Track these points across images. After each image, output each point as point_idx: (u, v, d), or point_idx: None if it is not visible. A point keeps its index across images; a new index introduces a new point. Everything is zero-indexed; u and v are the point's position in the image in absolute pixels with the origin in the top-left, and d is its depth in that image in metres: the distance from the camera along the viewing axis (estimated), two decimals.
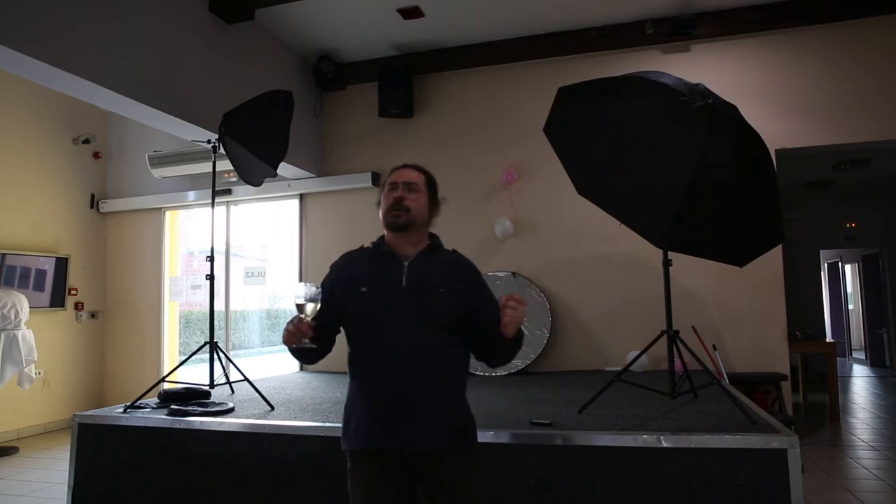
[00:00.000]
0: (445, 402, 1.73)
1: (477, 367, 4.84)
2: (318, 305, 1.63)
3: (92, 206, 6.52)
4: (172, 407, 3.01)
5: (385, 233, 1.85)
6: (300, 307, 1.61)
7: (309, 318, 1.61)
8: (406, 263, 1.77)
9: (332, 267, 1.90)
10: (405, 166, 1.88)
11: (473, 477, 1.75)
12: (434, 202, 1.86)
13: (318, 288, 1.63)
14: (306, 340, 1.61)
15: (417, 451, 1.67)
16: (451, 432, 1.70)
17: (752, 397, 4.41)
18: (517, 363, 4.84)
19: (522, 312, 1.67)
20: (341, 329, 1.84)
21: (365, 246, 1.89)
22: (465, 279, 1.83)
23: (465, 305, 1.77)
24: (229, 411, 3.02)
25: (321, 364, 1.87)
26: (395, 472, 1.70)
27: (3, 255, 5.56)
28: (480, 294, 1.84)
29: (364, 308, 1.74)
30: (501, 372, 4.80)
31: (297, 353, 1.72)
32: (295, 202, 6.01)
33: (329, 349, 1.83)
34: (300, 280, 5.87)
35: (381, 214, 1.84)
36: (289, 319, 1.64)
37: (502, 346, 1.75)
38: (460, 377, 1.81)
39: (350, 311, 1.77)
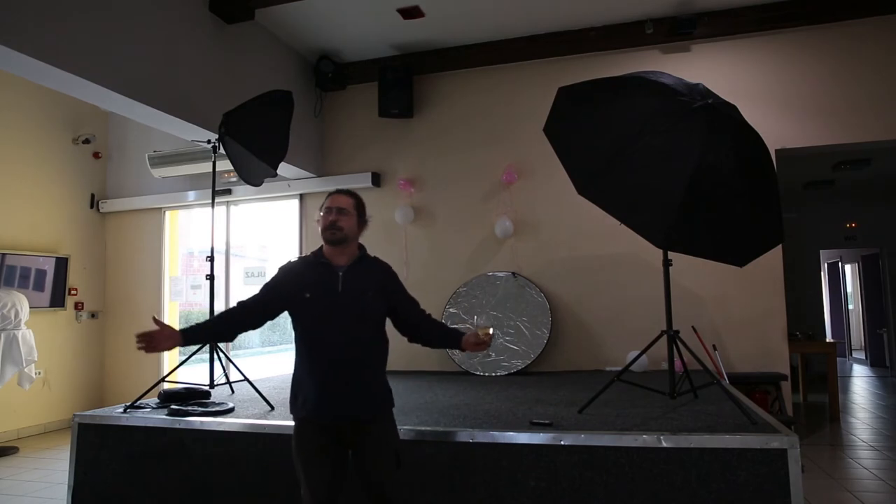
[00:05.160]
0: (374, 380, 2.22)
1: (478, 367, 4.85)
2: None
3: (92, 206, 6.52)
4: (172, 407, 3.01)
5: (323, 245, 2.26)
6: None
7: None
8: (341, 273, 2.19)
9: (279, 270, 2.30)
10: (339, 192, 2.28)
11: (394, 433, 2.26)
12: (362, 221, 2.28)
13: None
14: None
15: (355, 418, 2.13)
16: (379, 401, 2.22)
17: (752, 397, 4.42)
18: (517, 363, 4.84)
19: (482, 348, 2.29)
20: (272, 318, 2.28)
21: (303, 256, 2.32)
22: (387, 283, 2.28)
23: (388, 304, 2.27)
24: (229, 411, 3.02)
25: None
26: (332, 436, 2.14)
27: (3, 255, 5.56)
28: (398, 294, 2.32)
29: (309, 310, 2.18)
30: (501, 372, 4.80)
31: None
32: (295, 202, 6.01)
33: (255, 328, 2.30)
34: None
35: (320, 231, 2.23)
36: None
37: (445, 344, 2.37)
38: (383, 359, 2.29)
39: (297, 312, 2.21)
